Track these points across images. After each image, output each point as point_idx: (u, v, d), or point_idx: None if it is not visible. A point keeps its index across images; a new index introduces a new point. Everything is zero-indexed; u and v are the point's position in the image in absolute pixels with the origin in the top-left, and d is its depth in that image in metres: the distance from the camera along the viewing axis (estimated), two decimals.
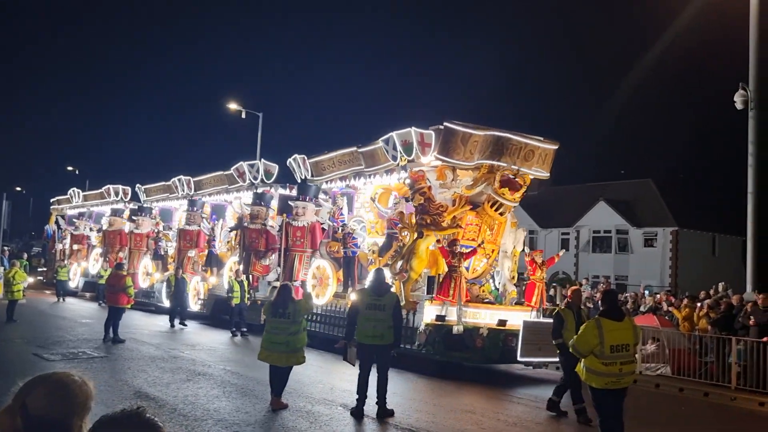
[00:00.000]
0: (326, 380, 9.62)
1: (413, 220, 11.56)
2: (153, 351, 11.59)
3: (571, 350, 6.42)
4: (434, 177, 11.70)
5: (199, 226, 18.44)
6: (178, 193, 19.96)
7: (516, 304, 12.33)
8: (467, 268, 11.83)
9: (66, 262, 24.48)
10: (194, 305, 17.45)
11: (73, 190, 27.63)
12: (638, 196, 35.32)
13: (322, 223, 14.57)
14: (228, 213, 18.59)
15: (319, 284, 14.02)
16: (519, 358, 10.89)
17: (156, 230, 20.75)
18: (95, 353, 10.92)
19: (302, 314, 7.85)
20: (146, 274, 20.57)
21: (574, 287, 9.67)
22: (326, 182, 14.37)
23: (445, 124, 11.12)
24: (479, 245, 11.70)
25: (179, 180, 19.86)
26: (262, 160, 16.90)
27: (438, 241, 11.43)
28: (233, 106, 29.05)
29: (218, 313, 16.64)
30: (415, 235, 11.40)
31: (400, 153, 11.75)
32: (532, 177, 12.04)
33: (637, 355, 10.20)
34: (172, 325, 15.61)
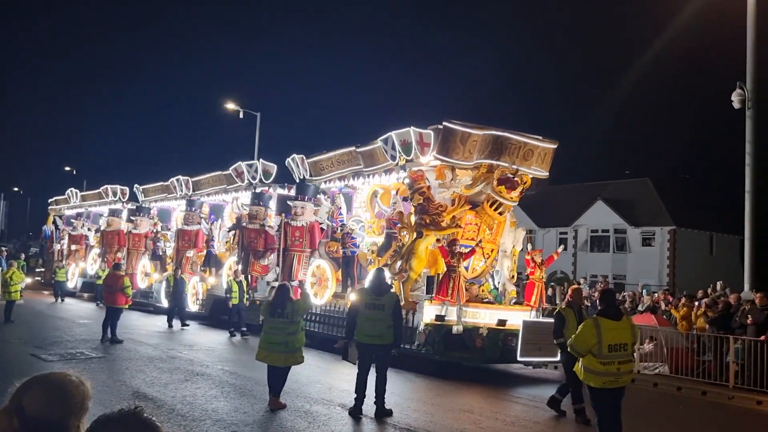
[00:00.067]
0: (324, 380, 9.62)
1: (412, 220, 11.56)
2: (151, 351, 11.58)
3: (569, 349, 6.43)
4: (433, 177, 11.70)
5: (200, 224, 18.42)
6: (177, 193, 19.94)
7: (515, 303, 12.33)
8: (467, 268, 11.83)
9: (64, 262, 24.44)
10: (193, 305, 17.43)
11: (71, 191, 27.58)
12: (636, 195, 35.38)
13: (320, 223, 14.56)
14: (226, 213, 18.58)
15: (319, 284, 14.01)
16: (519, 358, 10.89)
17: (154, 230, 20.72)
18: (93, 353, 10.90)
19: (300, 314, 7.85)
20: (145, 274, 20.55)
21: (574, 286, 9.70)
22: (325, 182, 14.36)
23: (444, 123, 11.12)
24: (477, 244, 11.70)
25: (177, 180, 19.84)
26: (261, 160, 16.89)
27: (438, 240, 11.42)
28: (231, 105, 29.03)
29: (217, 313, 16.62)
30: (415, 235, 11.40)
31: (399, 153, 11.74)
32: (531, 176, 12.05)
33: (635, 354, 10.20)
34: (170, 326, 15.59)
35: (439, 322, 10.85)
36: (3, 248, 23.80)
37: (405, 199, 12.22)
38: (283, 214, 14.70)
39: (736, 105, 13.37)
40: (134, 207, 22.21)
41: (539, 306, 12.45)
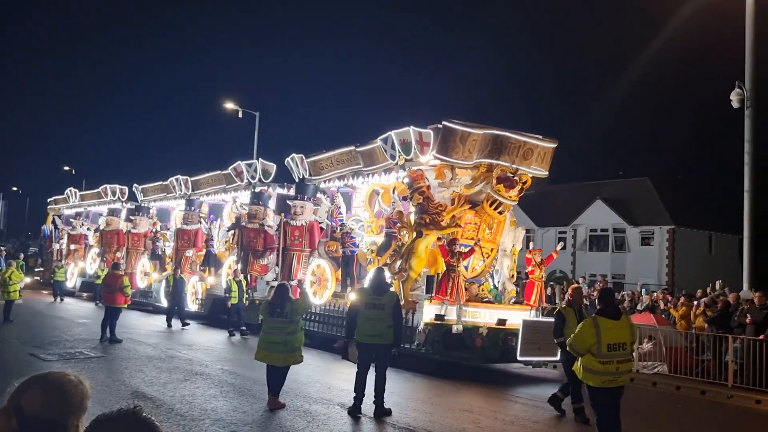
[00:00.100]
0: (324, 379, 9.62)
1: (412, 220, 11.55)
2: (150, 351, 11.57)
3: (568, 349, 6.43)
4: (433, 176, 11.69)
5: (200, 224, 18.42)
6: (176, 192, 19.92)
7: (515, 303, 12.33)
8: (466, 268, 11.83)
9: (63, 262, 24.42)
10: (192, 305, 17.43)
11: (70, 190, 27.55)
12: (635, 194, 35.40)
13: (320, 223, 14.55)
14: (225, 212, 18.57)
15: (318, 284, 14.00)
16: (519, 358, 10.88)
17: (153, 230, 20.71)
18: (92, 353, 10.89)
19: (299, 313, 7.85)
20: (144, 274, 20.53)
21: (575, 285, 9.71)
22: (324, 181, 14.35)
23: (443, 123, 11.10)
24: (475, 243, 11.70)
25: (176, 180, 19.82)
26: (260, 159, 16.88)
27: (439, 239, 11.41)
28: (230, 105, 29.02)
29: (216, 313, 16.62)
30: (414, 235, 11.39)
31: (399, 152, 11.73)
32: (531, 176, 12.04)
33: (634, 354, 10.22)
34: (169, 325, 15.58)
35: (438, 322, 10.84)
36: (2, 248, 23.82)
37: (404, 198, 12.22)
38: (283, 214, 14.69)
39: (735, 104, 13.38)
40: (133, 206, 22.19)
41: (539, 305, 12.45)
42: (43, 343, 11.64)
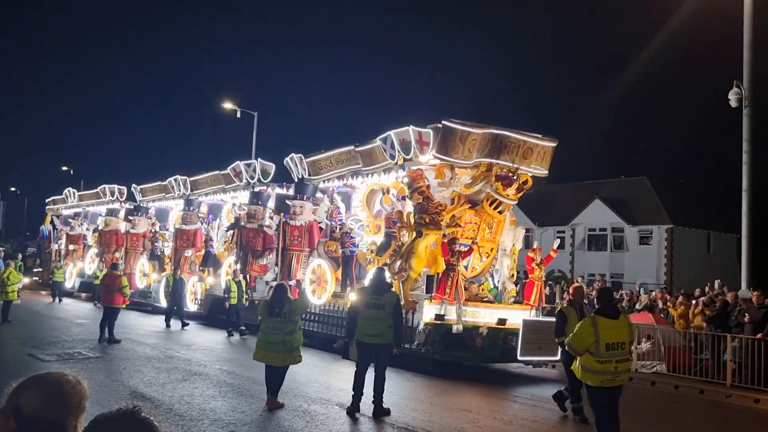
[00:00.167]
0: (322, 379, 9.62)
1: (411, 219, 11.54)
2: (149, 351, 11.56)
3: (566, 348, 6.43)
4: (433, 176, 11.68)
5: (200, 224, 18.41)
6: (175, 193, 19.90)
7: (514, 302, 12.33)
8: (466, 267, 11.83)
9: (62, 262, 24.39)
10: (192, 305, 17.42)
11: (69, 190, 27.52)
12: (633, 194, 35.43)
13: (319, 222, 14.54)
14: (224, 212, 18.56)
15: (318, 284, 13.99)
16: (519, 357, 10.87)
17: (152, 230, 20.69)
18: (91, 353, 10.88)
19: (298, 313, 7.85)
20: (143, 274, 20.51)
21: (576, 285, 9.72)
22: (324, 181, 14.34)
23: (443, 122, 11.09)
24: (473, 242, 11.70)
25: (175, 180, 19.80)
26: (259, 159, 16.87)
27: (445, 235, 11.40)
28: (228, 105, 29.00)
29: (215, 313, 16.61)
30: (414, 235, 11.39)
31: (398, 152, 11.73)
32: (531, 175, 12.03)
33: (632, 353, 10.22)
34: (168, 325, 15.57)
35: (438, 322, 10.84)
36: (0, 248, 23.76)
37: (402, 198, 12.22)
38: (282, 214, 14.68)
39: (733, 104, 13.38)
40: (132, 207, 22.16)
41: (539, 305, 12.46)
42: (41, 343, 11.62)
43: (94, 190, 25.38)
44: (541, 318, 11.85)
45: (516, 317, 11.18)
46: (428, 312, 10.99)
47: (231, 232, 16.67)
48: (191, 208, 18.57)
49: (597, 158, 70.50)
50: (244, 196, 16.74)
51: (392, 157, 11.95)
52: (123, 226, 21.70)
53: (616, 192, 36.03)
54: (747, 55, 13.26)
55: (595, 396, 6.06)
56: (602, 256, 34.85)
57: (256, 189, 16.26)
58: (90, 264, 23.36)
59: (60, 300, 21.09)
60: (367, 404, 7.43)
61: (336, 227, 14.17)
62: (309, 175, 14.50)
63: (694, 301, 13.77)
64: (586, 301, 14.92)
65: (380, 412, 7.35)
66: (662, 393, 10.61)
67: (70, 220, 25.98)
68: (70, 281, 23.97)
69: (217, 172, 18.15)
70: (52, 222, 27.85)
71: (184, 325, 15.52)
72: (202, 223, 18.49)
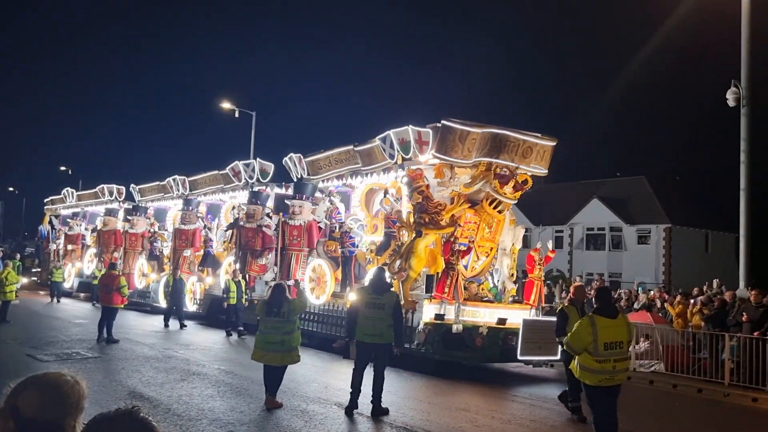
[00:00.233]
0: (321, 379, 9.62)
1: (411, 219, 11.54)
2: (147, 351, 11.56)
3: (564, 347, 6.44)
4: (432, 175, 11.68)
5: (201, 222, 18.39)
6: (173, 193, 19.88)
7: (514, 302, 12.34)
8: (465, 267, 11.82)
9: (60, 262, 24.36)
10: (191, 305, 17.41)
11: (67, 190, 27.49)
12: (632, 193, 35.47)
13: (318, 222, 14.53)
14: (223, 212, 18.54)
15: (317, 284, 13.98)
16: (519, 357, 10.86)
17: (151, 230, 20.67)
18: (89, 353, 10.88)
19: (296, 313, 7.85)
20: (142, 274, 20.49)
21: (577, 284, 9.72)
22: (323, 181, 14.34)
23: (442, 121, 11.08)
24: (471, 242, 11.70)
25: (174, 180, 19.77)
26: (258, 159, 16.86)
27: (452, 234, 11.39)
28: (226, 105, 28.98)
29: (214, 313, 16.60)
30: (414, 234, 11.39)
31: (398, 151, 11.73)
32: (530, 174, 12.04)
33: (631, 351, 10.23)
34: (167, 325, 15.56)
35: (438, 321, 10.84)
36: None
37: (398, 199, 12.22)
38: (281, 213, 14.68)
39: (731, 103, 13.40)
40: (131, 206, 22.14)
41: (539, 304, 12.46)
42: (40, 343, 11.61)
43: (93, 190, 25.35)
44: (541, 317, 11.85)
45: (516, 317, 11.18)
46: (428, 312, 10.99)
47: (230, 231, 16.66)
48: (190, 208, 18.56)
49: (595, 158, 70.59)
50: (243, 196, 16.73)
51: (391, 156, 11.95)
52: (122, 226, 21.67)
53: (614, 191, 36.07)
54: (744, 54, 13.28)
55: (593, 395, 6.07)
56: (600, 256, 34.88)
57: (255, 189, 16.25)
58: (88, 264, 23.33)
59: (58, 300, 21.06)
60: (365, 404, 7.43)
61: (335, 227, 14.16)
62: (308, 174, 14.49)
63: (692, 301, 13.79)
64: (585, 301, 14.95)
65: (379, 412, 7.35)
66: (660, 392, 10.63)
67: (68, 220, 25.94)
68: (69, 281, 23.93)
69: (215, 171, 18.14)
70: (50, 222, 27.81)
71: (182, 326, 15.51)
72: (200, 222, 18.47)
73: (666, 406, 9.65)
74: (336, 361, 11.57)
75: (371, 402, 7.41)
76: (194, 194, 19.11)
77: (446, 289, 11.01)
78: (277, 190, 15.91)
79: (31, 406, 1.67)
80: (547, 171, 12.45)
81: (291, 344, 7.64)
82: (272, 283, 12.69)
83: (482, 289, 12.08)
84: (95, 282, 19.54)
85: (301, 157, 14.61)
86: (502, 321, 11.08)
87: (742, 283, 12.89)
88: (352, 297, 10.73)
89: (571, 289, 9.16)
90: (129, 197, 23.09)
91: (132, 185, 22.57)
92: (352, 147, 13.12)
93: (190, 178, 19.27)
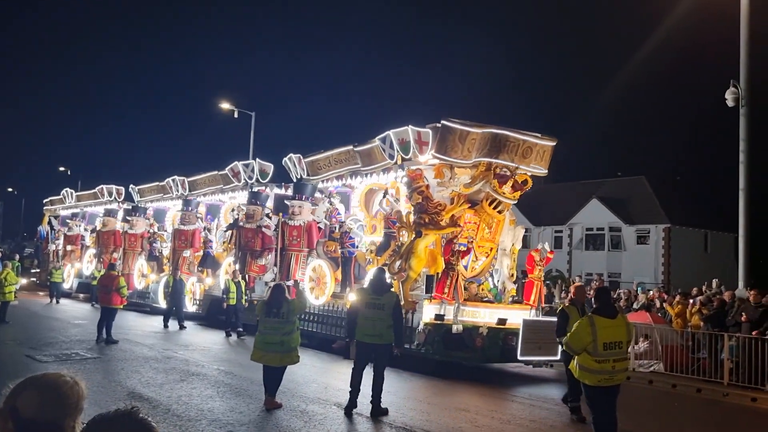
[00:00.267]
0: (320, 379, 9.62)
1: (411, 219, 11.54)
2: (146, 351, 11.55)
3: (564, 347, 6.44)
4: (432, 175, 11.67)
5: (201, 223, 18.38)
6: (173, 193, 19.88)
7: (514, 302, 12.33)
8: (465, 267, 11.82)
9: (60, 263, 24.34)
10: (191, 306, 17.40)
11: (66, 191, 27.47)
12: (631, 193, 35.49)
13: (318, 222, 14.53)
14: (222, 213, 18.54)
15: (317, 284, 13.98)
16: (519, 357, 10.85)
17: (151, 231, 20.66)
18: (88, 354, 10.87)
19: (296, 313, 7.85)
20: (142, 275, 20.48)
21: (578, 284, 9.72)
22: (322, 181, 14.34)
23: (442, 121, 11.08)
24: (470, 242, 11.69)
25: (173, 180, 19.77)
26: (257, 159, 16.85)
27: (453, 233, 11.39)
28: (226, 105, 28.97)
29: (214, 313, 16.59)
30: (414, 235, 11.39)
31: (397, 151, 11.73)
32: (530, 174, 12.04)
33: (630, 351, 10.25)
34: (166, 326, 15.56)
35: (438, 322, 10.84)
36: None
37: (397, 200, 12.21)
38: (281, 214, 14.67)
39: (730, 103, 13.41)
40: (130, 207, 22.13)
41: (538, 305, 12.45)
42: (39, 344, 11.60)
43: (92, 191, 25.34)
44: (541, 318, 11.85)
45: (516, 317, 11.18)
46: (428, 312, 10.99)
47: (229, 232, 16.65)
48: (189, 209, 18.55)
49: (595, 158, 70.68)
50: (242, 197, 16.73)
51: (391, 156, 11.94)
52: (121, 227, 21.65)
53: (613, 191, 36.08)
54: (744, 54, 13.29)
55: (592, 395, 6.07)
56: (600, 256, 34.90)
57: (255, 189, 16.25)
58: (88, 264, 23.32)
59: (58, 301, 21.04)
60: (364, 404, 7.43)
61: (335, 227, 14.15)
62: (308, 175, 14.49)
63: (691, 301, 13.79)
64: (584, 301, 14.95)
65: (378, 412, 7.35)
66: (659, 392, 10.63)
67: (67, 220, 25.92)
68: (68, 282, 23.92)
69: (215, 172, 18.14)
70: (49, 222, 27.79)
71: (181, 327, 15.50)
72: (200, 222, 18.45)
73: (665, 406, 9.65)
74: (336, 361, 11.57)
75: (371, 402, 7.41)
76: (194, 195, 19.10)
77: (446, 290, 11.01)
78: (277, 190, 15.91)
79: (30, 407, 1.67)
80: (546, 171, 12.44)
81: (290, 345, 7.64)
82: (272, 284, 12.68)
83: (482, 290, 12.08)
84: (94, 283, 19.52)
85: (301, 157, 14.60)
86: (502, 321, 11.07)
87: (741, 283, 12.90)
88: (351, 297, 10.73)
89: (572, 289, 9.16)
90: (128, 198, 23.09)
91: (131, 186, 22.57)
92: (351, 147, 13.12)
93: (190, 179, 19.26)
